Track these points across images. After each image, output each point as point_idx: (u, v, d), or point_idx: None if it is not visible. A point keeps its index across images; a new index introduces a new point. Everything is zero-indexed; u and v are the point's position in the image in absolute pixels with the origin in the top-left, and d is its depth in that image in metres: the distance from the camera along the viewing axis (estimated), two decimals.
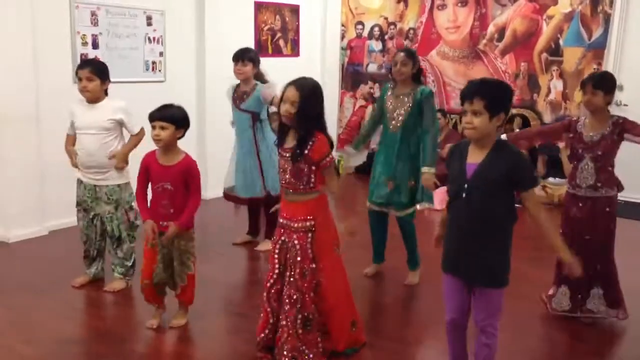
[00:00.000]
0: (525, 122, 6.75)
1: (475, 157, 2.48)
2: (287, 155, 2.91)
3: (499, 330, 2.59)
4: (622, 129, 3.38)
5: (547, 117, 6.78)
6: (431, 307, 3.77)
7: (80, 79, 3.68)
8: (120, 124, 3.78)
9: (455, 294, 2.61)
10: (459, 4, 7.27)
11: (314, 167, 2.89)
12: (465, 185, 2.46)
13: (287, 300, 2.93)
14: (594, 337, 3.50)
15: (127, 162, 3.81)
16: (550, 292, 3.71)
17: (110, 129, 3.74)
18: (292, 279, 2.93)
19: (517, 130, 6.59)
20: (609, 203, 3.47)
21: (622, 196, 3.77)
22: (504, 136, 3.58)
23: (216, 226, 5.48)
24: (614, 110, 6.30)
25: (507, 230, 2.51)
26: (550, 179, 6.38)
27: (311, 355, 2.93)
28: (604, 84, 3.42)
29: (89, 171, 3.78)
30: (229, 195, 4.86)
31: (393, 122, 3.95)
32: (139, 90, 5.25)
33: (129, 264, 3.96)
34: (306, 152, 2.85)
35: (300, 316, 2.91)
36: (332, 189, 3.00)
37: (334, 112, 8.03)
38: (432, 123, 3.89)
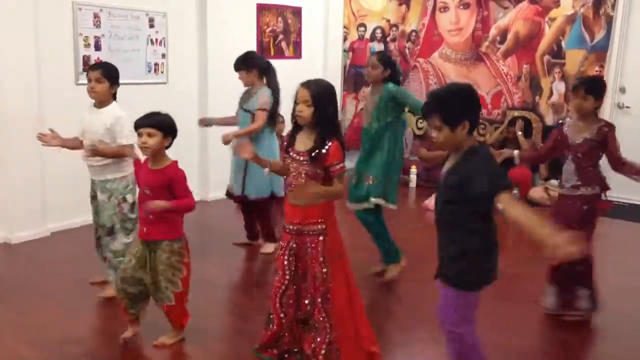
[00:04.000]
0: (527, 125, 6.74)
1: (448, 164, 2.51)
2: (303, 158, 2.85)
3: (485, 330, 2.61)
4: (605, 137, 3.43)
5: (549, 120, 6.77)
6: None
7: (89, 80, 3.65)
8: (112, 132, 3.64)
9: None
10: (461, 6, 7.27)
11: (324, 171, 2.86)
12: (439, 192, 2.54)
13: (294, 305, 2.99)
14: (589, 336, 3.52)
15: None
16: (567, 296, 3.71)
17: (105, 136, 3.65)
18: (308, 282, 2.94)
19: (520, 133, 6.60)
20: (587, 201, 3.49)
21: (617, 198, 3.79)
22: (516, 152, 3.63)
23: (217, 227, 5.49)
24: (616, 113, 6.36)
25: (472, 236, 2.45)
26: (553, 181, 6.37)
27: None
28: (596, 89, 3.46)
29: (90, 168, 3.78)
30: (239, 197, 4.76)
31: (366, 116, 4.19)
32: (141, 92, 5.26)
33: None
34: (324, 153, 2.82)
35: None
36: (340, 194, 2.94)
37: None
38: (415, 101, 4.05)
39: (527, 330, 3.59)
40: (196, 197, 6.44)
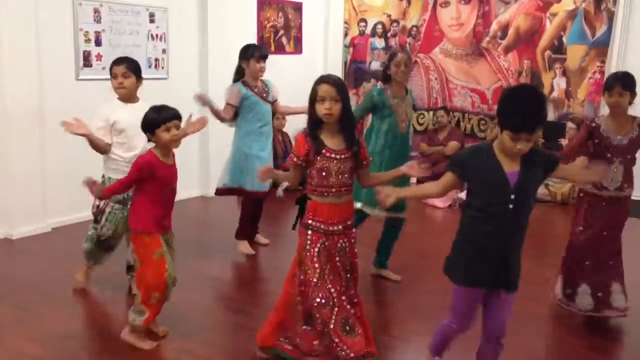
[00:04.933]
0: None
1: (509, 165, 2.40)
2: (344, 156, 2.81)
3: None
4: None
5: (550, 115, 6.76)
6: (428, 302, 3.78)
7: (115, 76, 3.59)
8: None
9: (475, 305, 2.58)
10: (462, 2, 7.25)
11: None
12: (512, 197, 2.37)
13: (354, 301, 2.93)
14: (594, 333, 3.50)
15: None
16: (568, 290, 3.65)
17: None
18: (348, 277, 2.92)
19: None
20: (629, 199, 3.50)
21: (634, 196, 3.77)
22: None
23: (217, 223, 5.49)
24: None
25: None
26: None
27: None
28: (631, 83, 3.35)
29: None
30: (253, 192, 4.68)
31: (404, 123, 3.95)
32: (141, 87, 5.24)
33: None
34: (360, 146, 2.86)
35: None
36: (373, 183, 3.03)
37: None
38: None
39: (532, 327, 3.57)
40: (196, 194, 6.49)
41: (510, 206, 2.37)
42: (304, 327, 2.92)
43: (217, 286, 4.05)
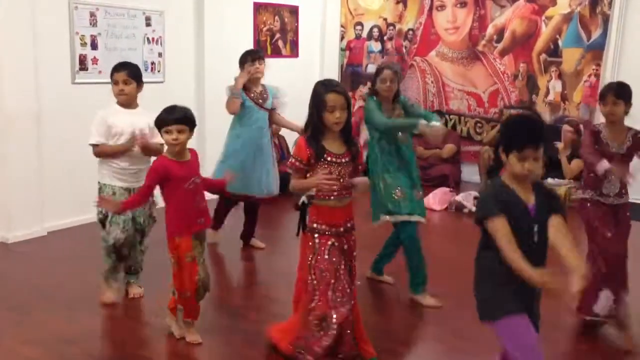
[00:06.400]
0: None
1: (526, 197, 2.37)
2: (344, 160, 2.88)
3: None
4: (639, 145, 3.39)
5: (546, 118, 6.78)
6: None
7: (116, 82, 3.59)
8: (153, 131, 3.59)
9: (532, 330, 2.39)
10: (458, 5, 7.28)
11: None
12: (536, 228, 2.35)
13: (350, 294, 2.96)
14: (594, 337, 3.50)
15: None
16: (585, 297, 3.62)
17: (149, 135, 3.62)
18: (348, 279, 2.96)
19: None
20: (629, 206, 3.51)
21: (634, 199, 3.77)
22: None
23: None
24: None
25: None
26: (549, 180, 6.37)
27: None
28: (625, 93, 3.37)
29: (128, 176, 3.63)
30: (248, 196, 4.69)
31: (401, 135, 3.88)
32: None
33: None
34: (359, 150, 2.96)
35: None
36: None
37: None
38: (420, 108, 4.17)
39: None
40: None
41: (535, 239, 2.35)
42: (317, 332, 2.90)
43: (212, 289, 4.03)
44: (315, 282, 2.90)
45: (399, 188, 3.79)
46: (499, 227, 2.27)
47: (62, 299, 3.80)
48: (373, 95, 3.93)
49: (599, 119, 6.05)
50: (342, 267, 2.91)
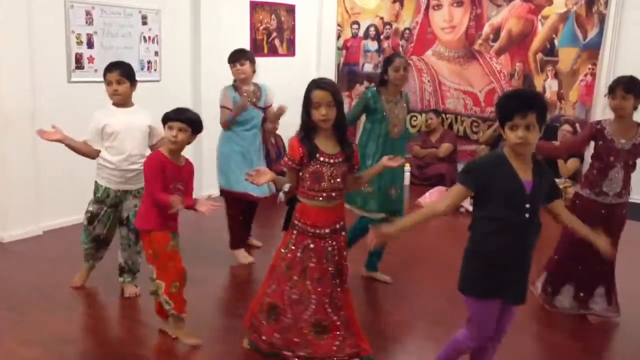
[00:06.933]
0: None
1: (524, 174, 2.38)
2: (337, 160, 2.83)
3: None
4: None
5: None
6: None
7: (109, 83, 3.58)
8: (153, 130, 3.68)
9: (494, 317, 2.51)
10: (455, 4, 7.28)
11: None
12: (528, 205, 2.35)
13: (338, 304, 2.95)
14: (589, 335, 3.51)
15: None
16: (549, 288, 3.70)
17: (145, 133, 3.65)
18: (336, 281, 2.95)
19: None
20: (625, 206, 3.50)
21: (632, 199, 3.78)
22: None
23: (210, 225, 5.46)
24: (609, 110, 6.35)
25: None
26: None
27: None
28: (635, 87, 3.32)
29: (129, 178, 3.65)
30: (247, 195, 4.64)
31: (396, 128, 3.91)
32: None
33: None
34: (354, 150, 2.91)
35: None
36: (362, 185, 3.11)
37: None
38: None
39: (526, 328, 3.57)
40: None
41: (527, 215, 2.36)
42: (265, 320, 3.00)
43: (208, 288, 4.04)
44: (279, 272, 2.96)
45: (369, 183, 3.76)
46: (456, 190, 2.43)
47: (61, 299, 3.79)
48: (375, 87, 3.96)
49: (594, 118, 6.09)
50: (313, 270, 2.90)
